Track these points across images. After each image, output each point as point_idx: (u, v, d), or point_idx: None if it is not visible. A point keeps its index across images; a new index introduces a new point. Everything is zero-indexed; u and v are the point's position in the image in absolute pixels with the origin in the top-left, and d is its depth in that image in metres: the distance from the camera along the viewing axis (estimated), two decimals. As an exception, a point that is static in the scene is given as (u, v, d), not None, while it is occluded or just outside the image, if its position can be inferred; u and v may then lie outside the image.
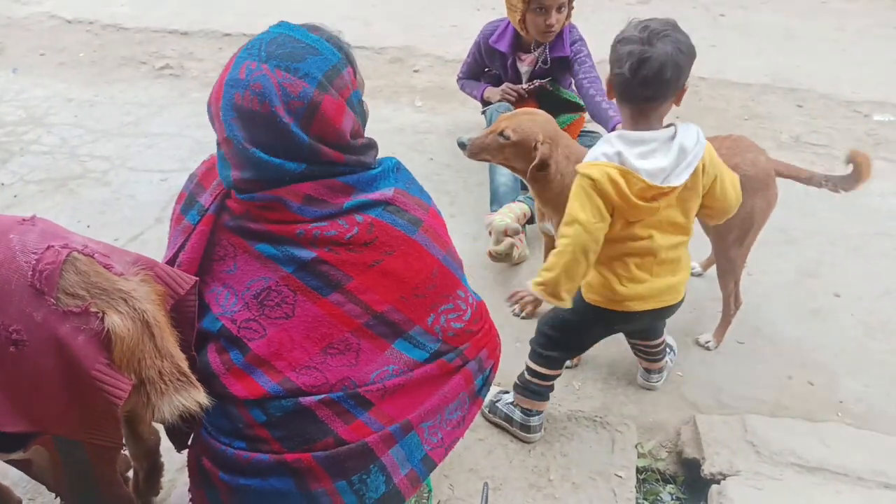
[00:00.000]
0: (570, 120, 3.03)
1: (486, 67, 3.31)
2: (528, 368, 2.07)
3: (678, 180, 1.70)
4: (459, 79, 3.43)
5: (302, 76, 1.26)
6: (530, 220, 2.85)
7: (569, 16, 2.94)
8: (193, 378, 1.27)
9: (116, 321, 1.18)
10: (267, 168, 1.29)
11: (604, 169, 1.70)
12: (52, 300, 1.16)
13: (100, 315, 1.18)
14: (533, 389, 2.06)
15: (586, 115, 3.14)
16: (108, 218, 3.12)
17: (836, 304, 2.67)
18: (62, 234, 1.27)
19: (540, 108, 3.09)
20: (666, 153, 1.70)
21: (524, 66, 3.12)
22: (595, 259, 1.79)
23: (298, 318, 1.32)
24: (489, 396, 2.18)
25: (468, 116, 3.82)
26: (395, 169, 1.44)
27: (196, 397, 1.26)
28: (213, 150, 1.40)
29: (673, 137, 1.71)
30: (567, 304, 1.82)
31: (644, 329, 2.15)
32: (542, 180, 2.13)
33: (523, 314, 2.60)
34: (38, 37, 4.92)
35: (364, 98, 1.46)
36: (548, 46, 3.01)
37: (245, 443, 1.33)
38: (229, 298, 1.34)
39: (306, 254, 1.31)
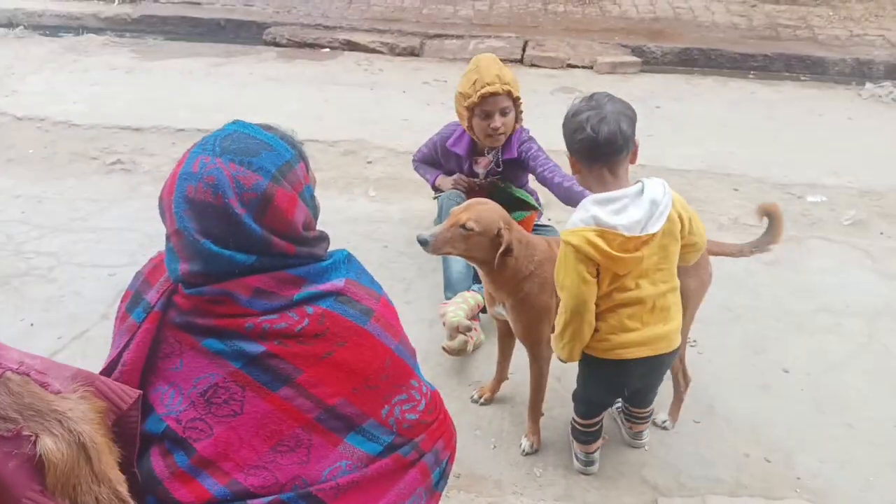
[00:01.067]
0: (522, 216, 3.06)
1: (440, 162, 3.38)
2: (573, 419, 2.26)
3: (655, 227, 1.88)
4: (415, 160, 3.48)
5: (256, 169, 1.28)
6: (484, 309, 2.87)
7: (517, 119, 3.01)
8: (132, 503, 1.21)
9: (49, 445, 1.12)
10: (217, 260, 1.28)
11: (581, 234, 1.88)
12: None
13: (32, 439, 1.12)
14: (580, 436, 2.27)
15: (537, 214, 3.22)
16: (52, 315, 3.03)
17: (785, 380, 2.73)
18: None
19: (492, 202, 3.17)
20: (638, 206, 1.88)
21: (479, 168, 3.19)
22: (593, 315, 1.96)
23: (247, 415, 1.28)
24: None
25: (421, 205, 3.89)
26: (346, 260, 1.44)
27: None
28: (164, 243, 1.40)
29: (642, 192, 1.90)
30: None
31: (642, 387, 2.21)
32: (499, 265, 2.17)
33: (482, 400, 2.58)
34: (-14, 134, 4.88)
35: (317, 191, 1.49)
36: (500, 150, 3.08)
37: None
38: (174, 397, 1.30)
39: (255, 348, 1.29)
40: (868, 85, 5.92)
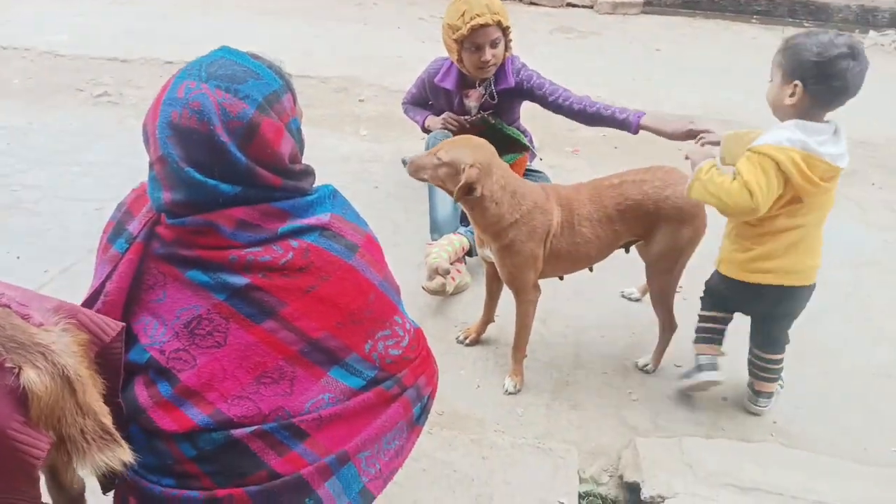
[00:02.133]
0: (514, 159, 3.04)
1: (429, 101, 3.34)
2: (700, 316, 2.33)
3: (844, 163, 1.97)
4: (404, 103, 3.44)
5: (242, 97, 1.25)
6: (470, 252, 2.87)
7: (507, 48, 2.95)
8: (118, 435, 1.22)
9: (33, 377, 1.12)
10: (201, 189, 1.26)
11: (789, 153, 1.92)
12: None
13: (15, 371, 1.12)
14: (706, 335, 2.31)
15: (529, 155, 3.18)
16: (37, 249, 3.01)
17: (767, 328, 2.75)
18: None
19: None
20: (836, 142, 1.96)
21: (471, 101, 3.14)
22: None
23: (230, 347, 1.28)
24: (686, 370, 2.41)
25: (412, 145, 3.85)
26: (332, 195, 1.43)
27: (120, 455, 1.20)
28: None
29: (836, 130, 1.98)
30: None
31: (769, 315, 2.27)
32: (478, 207, 2.19)
33: (467, 341, 2.60)
34: (-31, 63, 4.77)
35: (307, 128, 1.46)
36: (492, 81, 3.04)
37: (174, 479, 1.28)
38: (158, 328, 1.30)
39: (239, 280, 1.28)
40: (871, 33, 5.84)
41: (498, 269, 2.34)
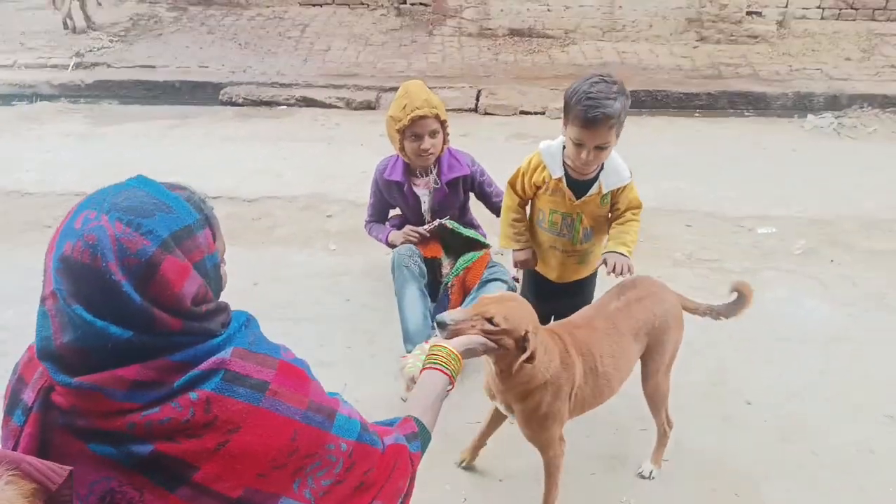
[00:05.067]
0: (475, 258, 3.14)
1: (389, 205, 3.44)
2: None
3: None
4: (367, 223, 3.53)
5: (144, 233, 1.14)
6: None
7: (445, 140, 3.17)
8: None
9: None
10: (90, 331, 1.14)
11: None
12: None
13: None
14: None
15: (490, 251, 3.27)
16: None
17: (747, 411, 2.76)
18: None
19: (443, 248, 3.22)
20: None
21: (420, 189, 3.28)
22: None
23: None
24: None
25: (382, 256, 3.90)
26: (243, 326, 1.30)
27: None
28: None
29: None
30: None
31: None
32: (517, 370, 1.95)
33: (463, 465, 2.52)
34: (-64, 207, 4.79)
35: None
36: (437, 169, 3.20)
37: None
38: (73, 501, 1.17)
39: (143, 448, 1.16)
40: (810, 117, 6.17)
41: (520, 428, 2.17)
